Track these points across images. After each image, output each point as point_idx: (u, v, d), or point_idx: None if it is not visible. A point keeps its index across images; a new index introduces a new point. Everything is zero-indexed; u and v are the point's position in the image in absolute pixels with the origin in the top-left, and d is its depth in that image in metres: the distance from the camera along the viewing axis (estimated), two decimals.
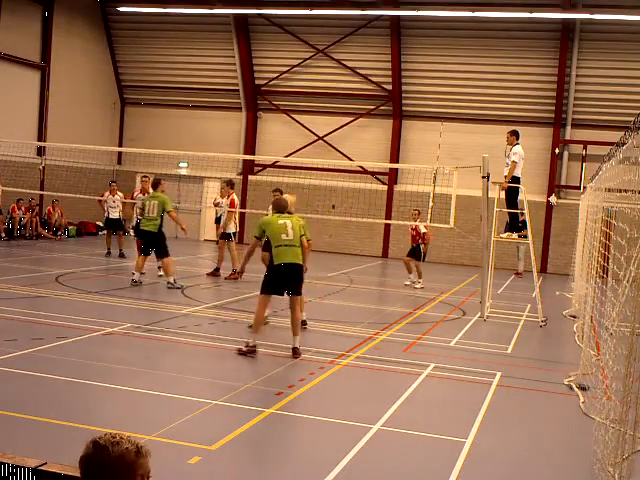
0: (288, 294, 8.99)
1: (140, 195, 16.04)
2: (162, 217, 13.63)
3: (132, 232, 23.57)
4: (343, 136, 25.48)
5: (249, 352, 8.71)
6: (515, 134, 13.42)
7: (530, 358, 10.13)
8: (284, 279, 8.89)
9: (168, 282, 13.46)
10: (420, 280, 16.74)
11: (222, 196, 16.58)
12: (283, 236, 8.88)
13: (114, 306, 11.57)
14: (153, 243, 13.55)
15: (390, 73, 24.49)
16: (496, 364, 9.38)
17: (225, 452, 5.51)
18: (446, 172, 14.83)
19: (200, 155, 21.60)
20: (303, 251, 9.03)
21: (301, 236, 9.04)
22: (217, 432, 5.91)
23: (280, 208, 9.27)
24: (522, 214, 13.90)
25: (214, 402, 6.74)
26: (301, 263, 8.98)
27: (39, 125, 24.09)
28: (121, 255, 18.15)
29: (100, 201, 19.19)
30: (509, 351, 10.39)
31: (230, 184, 16.11)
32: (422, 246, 16.72)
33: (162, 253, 13.63)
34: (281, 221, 9.00)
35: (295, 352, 8.88)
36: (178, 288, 13.32)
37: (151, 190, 14.11)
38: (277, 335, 10.41)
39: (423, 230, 16.55)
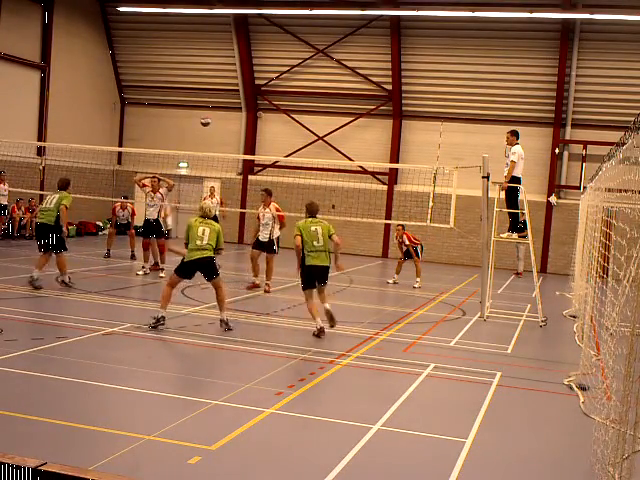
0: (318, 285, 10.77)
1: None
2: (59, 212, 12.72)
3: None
4: (343, 136, 25.48)
5: (319, 333, 10.23)
6: (515, 134, 13.41)
7: (530, 358, 10.13)
8: (315, 277, 10.66)
9: (62, 280, 12.70)
10: (418, 279, 16.81)
11: (266, 205, 14.73)
12: (315, 243, 10.63)
13: (114, 306, 11.57)
14: (50, 237, 12.62)
15: (390, 73, 24.50)
16: (496, 364, 9.38)
17: (225, 452, 5.51)
18: (446, 172, 14.81)
19: (200, 155, 21.59)
20: (336, 248, 10.83)
21: (331, 235, 10.71)
22: (217, 432, 5.91)
23: (313, 212, 10.94)
24: (522, 214, 13.91)
25: (214, 402, 6.74)
26: (327, 265, 10.73)
27: (39, 125, 24.09)
28: (132, 257, 18.13)
29: (114, 212, 18.83)
30: (509, 351, 10.39)
31: (268, 192, 14.89)
32: (415, 248, 16.95)
33: (59, 248, 12.71)
34: (313, 228, 10.70)
35: (319, 329, 10.30)
36: (70, 286, 12.64)
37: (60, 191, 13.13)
38: (277, 335, 10.42)
39: (407, 242, 17.00)
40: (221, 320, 10.23)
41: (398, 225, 17.57)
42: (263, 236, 14.49)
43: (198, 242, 10.11)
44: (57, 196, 12.87)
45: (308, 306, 10.59)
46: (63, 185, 13.23)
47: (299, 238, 10.64)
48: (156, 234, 15.62)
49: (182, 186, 25.78)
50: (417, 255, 16.99)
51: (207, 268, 10.23)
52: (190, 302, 12.26)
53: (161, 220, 15.92)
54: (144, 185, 16.06)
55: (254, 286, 14.43)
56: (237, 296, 13.60)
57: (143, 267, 15.52)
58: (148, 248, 15.51)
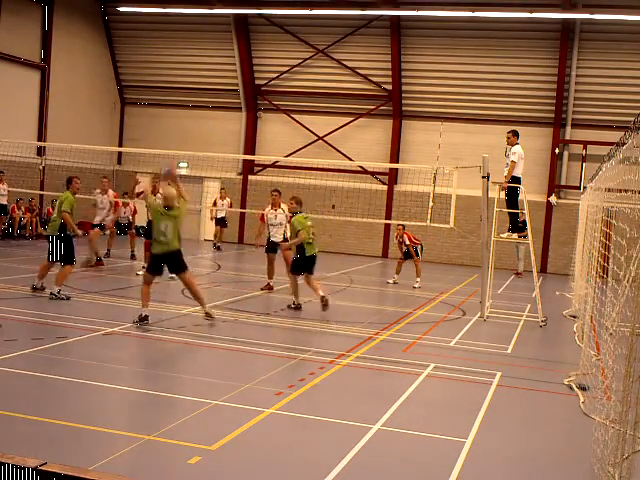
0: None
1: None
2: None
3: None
4: (343, 136, 25.49)
5: (296, 307, 12.31)
6: (515, 134, 13.40)
7: (530, 358, 10.13)
8: (311, 265, 12.39)
9: (51, 292, 11.73)
10: (418, 279, 16.82)
11: (276, 205, 14.40)
12: (311, 236, 12.28)
13: (114, 306, 11.57)
14: (56, 247, 11.98)
15: (390, 73, 24.51)
16: (496, 364, 9.38)
17: (225, 452, 5.51)
18: (446, 172, 14.82)
19: (200, 155, 21.61)
20: (299, 240, 12.26)
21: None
22: (217, 432, 5.90)
23: (302, 205, 12.61)
24: (522, 214, 13.91)
25: (214, 402, 6.74)
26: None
27: (39, 125, 24.09)
28: (132, 257, 18.08)
29: (115, 209, 18.68)
30: (509, 351, 10.39)
31: (279, 193, 14.68)
32: (415, 248, 16.98)
33: (66, 259, 12.00)
34: (309, 223, 12.31)
35: (323, 300, 11.74)
36: (63, 299, 11.61)
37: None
38: (277, 335, 10.42)
39: (407, 242, 17.02)
40: (206, 313, 10.49)
41: (398, 225, 17.59)
42: (277, 237, 14.35)
43: (162, 238, 10.29)
44: (58, 202, 12.52)
45: (292, 287, 12.34)
46: (66, 183, 12.86)
47: (304, 233, 12.13)
48: None
49: (182, 186, 25.72)
50: (417, 255, 17.00)
51: (172, 261, 10.43)
52: (190, 302, 12.26)
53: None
54: (139, 193, 16.09)
55: (269, 287, 14.31)
56: (237, 296, 13.60)
57: (143, 267, 15.49)
58: (149, 249, 15.49)
